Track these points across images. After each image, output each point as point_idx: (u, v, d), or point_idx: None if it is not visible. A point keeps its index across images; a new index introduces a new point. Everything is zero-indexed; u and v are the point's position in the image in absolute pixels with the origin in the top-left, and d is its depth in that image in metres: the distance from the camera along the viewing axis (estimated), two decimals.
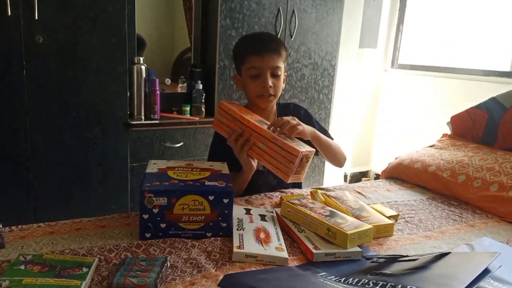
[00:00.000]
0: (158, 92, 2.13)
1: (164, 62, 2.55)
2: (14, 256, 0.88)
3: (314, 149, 1.18)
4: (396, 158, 1.89)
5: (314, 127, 1.41)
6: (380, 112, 3.63)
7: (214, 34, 2.25)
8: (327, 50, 2.64)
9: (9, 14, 1.64)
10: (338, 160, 1.46)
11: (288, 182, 1.15)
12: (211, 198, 1.03)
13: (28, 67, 1.75)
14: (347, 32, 2.92)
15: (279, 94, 1.38)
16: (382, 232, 1.16)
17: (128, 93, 2.07)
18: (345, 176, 3.64)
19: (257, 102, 1.37)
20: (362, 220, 1.15)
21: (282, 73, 1.36)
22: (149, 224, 1.02)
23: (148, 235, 1.02)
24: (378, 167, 3.60)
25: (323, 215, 1.12)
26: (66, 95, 1.88)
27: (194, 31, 2.44)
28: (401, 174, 1.77)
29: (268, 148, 1.18)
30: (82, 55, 1.87)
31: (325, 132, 1.48)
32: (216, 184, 1.07)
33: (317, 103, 2.72)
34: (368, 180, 3.66)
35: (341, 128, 3.27)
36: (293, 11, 2.42)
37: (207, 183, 1.07)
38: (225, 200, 1.04)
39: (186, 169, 1.17)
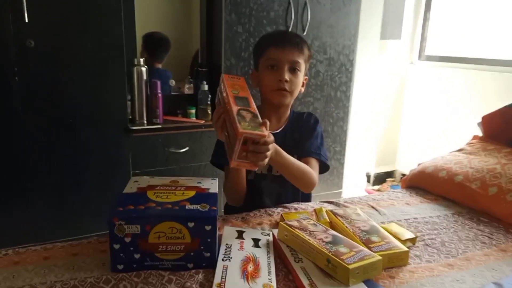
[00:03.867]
0: (160, 94, 2.01)
1: (183, 63, 2.44)
2: None
3: (265, 133, 0.96)
4: (418, 165, 1.69)
5: (311, 138, 1.29)
6: (406, 108, 3.38)
7: (219, 31, 2.11)
8: (344, 44, 2.45)
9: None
10: (302, 184, 1.25)
11: (232, 166, 0.98)
12: (190, 225, 0.90)
13: (20, 73, 1.67)
14: (366, 23, 2.70)
15: (295, 93, 1.25)
16: (395, 261, 0.99)
17: (129, 97, 1.97)
18: (368, 177, 3.43)
19: (270, 96, 1.25)
20: (371, 247, 0.99)
21: (301, 71, 1.24)
22: (121, 255, 0.90)
23: (120, 267, 0.90)
24: (404, 167, 3.37)
25: (324, 241, 0.96)
26: (61, 100, 1.80)
27: (200, 28, 2.31)
28: (423, 183, 1.57)
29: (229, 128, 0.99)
30: (76, 58, 1.78)
31: (317, 148, 1.29)
32: (198, 208, 0.93)
33: (334, 101, 2.53)
34: (393, 181, 3.43)
35: (363, 126, 3.06)
36: (305, 2, 2.24)
37: (188, 206, 0.94)
38: (207, 227, 0.90)
39: (169, 188, 1.04)
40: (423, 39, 3.40)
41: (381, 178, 3.47)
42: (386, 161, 3.53)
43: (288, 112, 1.34)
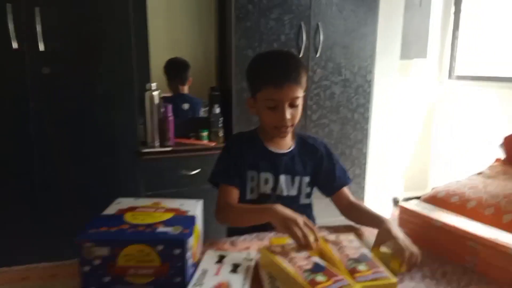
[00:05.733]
0: (171, 118, 2.05)
1: (204, 87, 2.48)
2: None
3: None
4: (432, 189, 1.59)
5: (335, 166, 1.34)
6: (436, 129, 3.23)
7: (229, 55, 2.14)
8: (360, 65, 2.39)
9: (15, 47, 1.67)
10: None
11: None
12: (159, 248, 0.87)
13: (34, 100, 1.77)
14: (384, 44, 2.64)
15: (296, 123, 1.25)
16: None
17: (142, 121, 2.02)
18: (396, 202, 3.27)
19: (273, 133, 1.27)
20: (355, 276, 0.91)
21: (301, 101, 1.23)
22: (91, 278, 0.89)
23: None
24: None
25: (302, 269, 0.91)
26: (74, 125, 1.87)
27: (215, 52, 2.36)
28: None
29: None
30: (89, 84, 1.86)
31: (344, 173, 1.36)
32: (170, 230, 0.91)
33: (351, 123, 2.46)
34: None
35: (387, 149, 2.94)
36: (318, 25, 2.22)
37: (159, 228, 0.92)
38: (177, 251, 0.88)
39: (149, 210, 1.03)
40: (452, 58, 3.27)
41: None
42: (417, 185, 3.36)
43: (292, 133, 1.33)
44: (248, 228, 1.23)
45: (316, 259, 0.96)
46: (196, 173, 2.10)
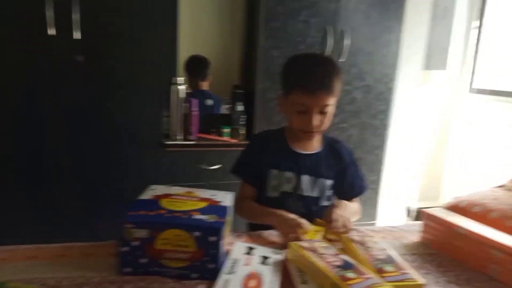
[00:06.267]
0: (195, 112, 2.08)
1: (227, 85, 2.52)
2: None
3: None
4: (454, 198, 1.60)
5: (357, 174, 1.38)
6: (452, 141, 3.22)
7: (255, 54, 2.17)
8: (383, 72, 2.41)
9: (52, 34, 1.71)
10: None
11: None
12: (196, 234, 0.90)
13: (65, 87, 1.81)
14: (407, 53, 2.65)
15: (325, 128, 1.27)
16: None
17: (167, 113, 2.06)
18: (408, 211, 3.27)
19: (300, 135, 1.30)
20: (383, 276, 0.93)
21: (332, 108, 1.24)
22: (129, 258, 0.92)
23: (127, 270, 0.92)
24: None
25: (332, 265, 0.93)
26: (103, 114, 1.91)
27: (239, 51, 2.39)
28: None
29: None
30: (121, 75, 1.90)
31: (362, 181, 1.40)
32: (206, 218, 0.94)
33: (370, 129, 2.47)
34: None
35: (403, 157, 2.95)
36: (343, 30, 2.25)
37: (196, 216, 0.95)
38: (212, 238, 0.91)
39: (183, 198, 1.06)
40: (473, 71, 3.26)
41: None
42: (429, 196, 3.35)
43: (319, 135, 1.35)
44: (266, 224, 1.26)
45: (345, 256, 0.99)
46: (217, 168, 2.13)
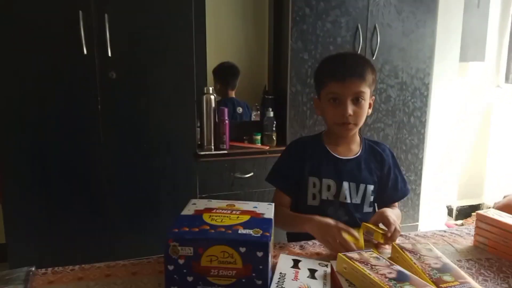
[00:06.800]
0: (227, 121, 2.07)
1: (256, 91, 2.52)
2: None
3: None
4: (504, 197, 1.51)
5: (398, 177, 1.32)
6: (493, 135, 3.07)
7: (285, 58, 2.13)
8: (418, 68, 2.32)
9: (85, 53, 1.74)
10: None
11: None
12: (242, 250, 0.87)
13: (102, 102, 1.84)
14: (443, 45, 2.54)
15: (361, 123, 1.23)
16: None
17: (198, 123, 2.06)
18: (450, 210, 3.14)
19: (336, 129, 1.25)
20: (442, 287, 0.87)
21: (366, 99, 1.20)
22: (175, 276, 0.90)
23: None
24: (493, 200, 3.02)
25: (386, 277, 0.88)
26: (137, 127, 1.93)
27: (268, 56, 2.36)
28: None
29: None
30: (152, 87, 1.91)
31: (405, 184, 1.34)
32: (251, 233, 0.91)
33: (407, 127, 2.38)
34: None
35: (443, 154, 2.83)
36: (375, 26, 2.18)
37: (240, 230, 0.92)
38: (259, 253, 0.87)
39: (225, 212, 1.04)
40: (510, 61, 3.11)
41: (465, 212, 3.14)
42: (471, 194, 3.20)
43: (359, 138, 1.31)
44: (306, 233, 1.21)
45: (399, 267, 0.93)
46: (249, 176, 2.11)
